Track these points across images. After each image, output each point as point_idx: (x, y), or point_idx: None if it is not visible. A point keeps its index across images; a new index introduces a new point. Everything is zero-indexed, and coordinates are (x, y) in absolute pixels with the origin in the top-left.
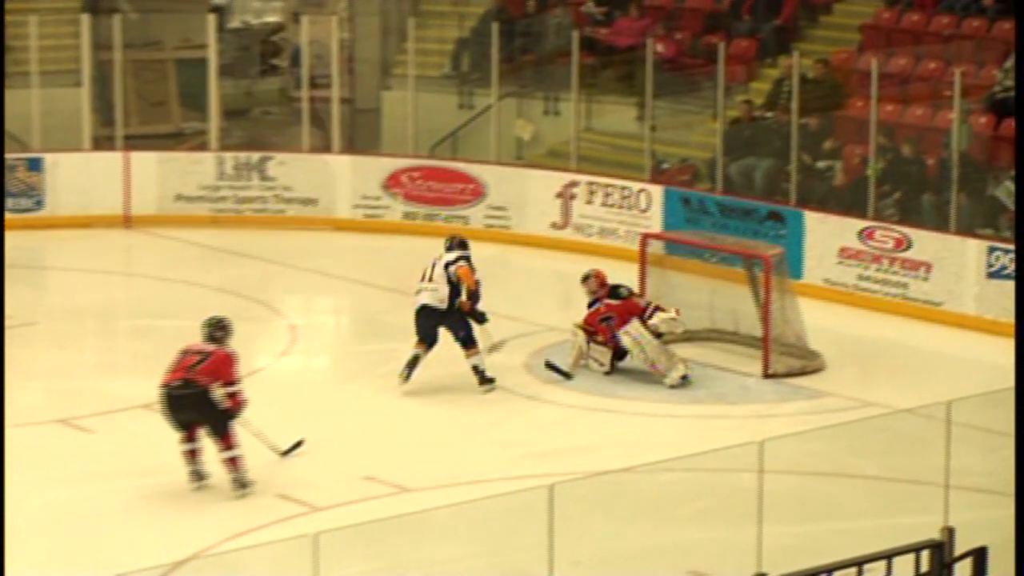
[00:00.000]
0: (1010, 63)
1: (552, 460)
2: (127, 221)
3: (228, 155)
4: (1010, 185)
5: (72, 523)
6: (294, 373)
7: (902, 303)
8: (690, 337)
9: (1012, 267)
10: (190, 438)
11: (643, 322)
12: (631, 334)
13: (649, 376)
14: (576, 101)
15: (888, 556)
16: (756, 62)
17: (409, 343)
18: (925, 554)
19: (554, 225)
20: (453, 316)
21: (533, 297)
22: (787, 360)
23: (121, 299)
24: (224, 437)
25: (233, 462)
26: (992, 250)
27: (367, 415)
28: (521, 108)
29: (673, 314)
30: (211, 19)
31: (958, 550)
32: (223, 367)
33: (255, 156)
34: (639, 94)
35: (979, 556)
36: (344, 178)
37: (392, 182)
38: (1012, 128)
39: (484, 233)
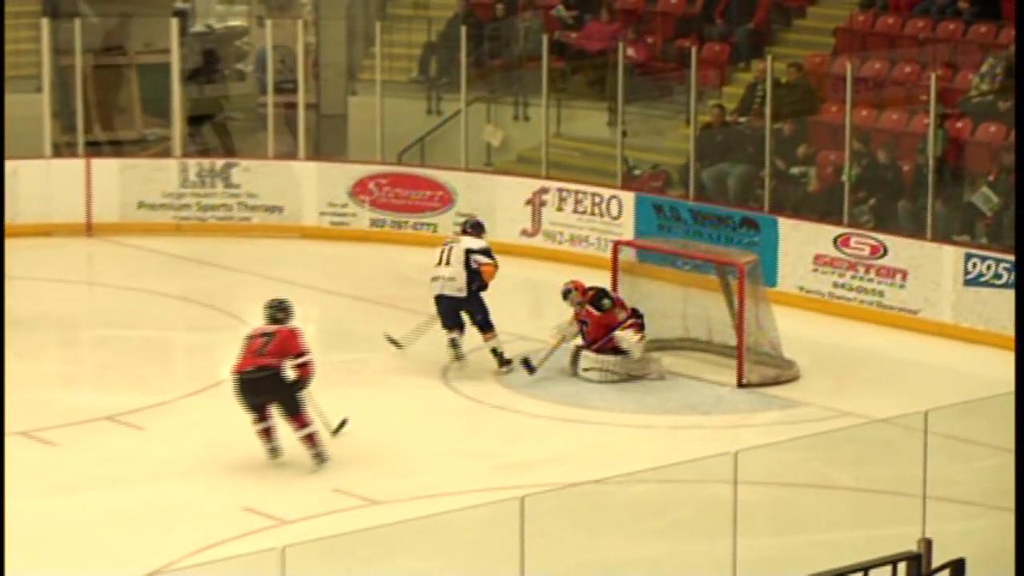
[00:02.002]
0: (986, 67)
1: (523, 471)
2: (89, 229)
3: (191, 162)
4: (987, 191)
5: (35, 537)
6: None
7: (878, 311)
8: (663, 346)
9: (989, 274)
10: (262, 418)
11: (603, 346)
12: (592, 368)
13: (621, 386)
14: (546, 106)
15: (865, 568)
16: (729, 66)
17: (377, 353)
18: (902, 566)
19: (524, 232)
20: (472, 301)
21: (503, 305)
22: (761, 369)
23: (83, 308)
24: (297, 416)
25: (310, 439)
26: (969, 257)
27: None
28: (490, 113)
29: (636, 340)
30: (173, 23)
31: (936, 562)
32: (290, 342)
33: (219, 163)
34: (610, 99)
35: (957, 568)
36: (310, 185)
37: (359, 189)
38: (988, 133)
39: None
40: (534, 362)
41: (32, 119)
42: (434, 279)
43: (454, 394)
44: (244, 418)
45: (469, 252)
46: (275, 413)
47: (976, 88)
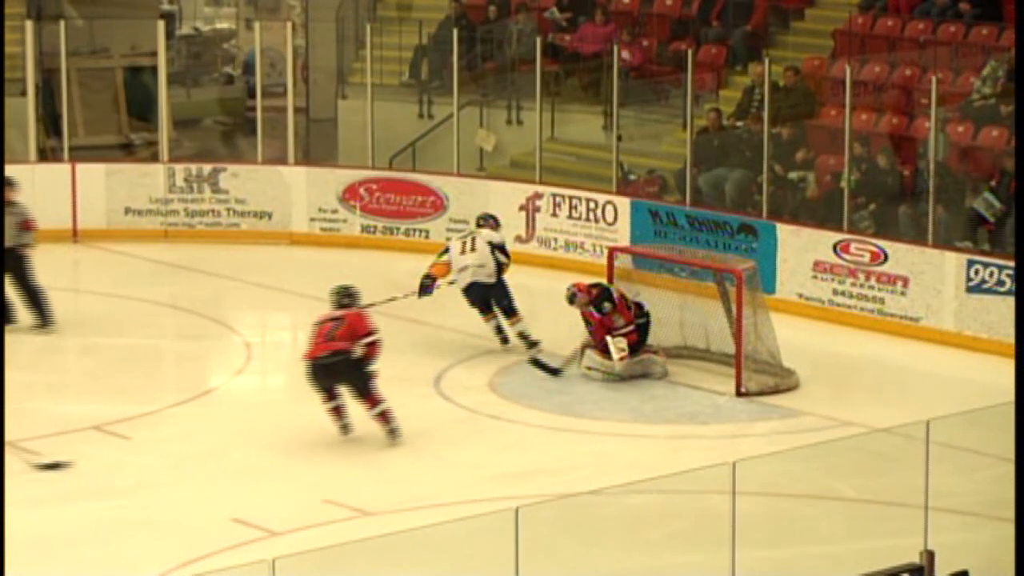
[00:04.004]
0: (988, 70)
1: (517, 482)
2: (75, 235)
3: (179, 167)
4: (989, 196)
5: (21, 550)
6: (250, 392)
7: (879, 319)
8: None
9: (992, 281)
10: (332, 397)
11: (604, 348)
12: (593, 368)
13: (618, 396)
14: (540, 110)
15: None
16: (725, 69)
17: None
18: None
19: (518, 239)
20: (498, 287)
21: None
22: (760, 378)
23: (69, 316)
24: (369, 396)
25: (383, 416)
26: (971, 263)
27: (326, 436)
28: (483, 117)
29: (619, 356)
30: (160, 25)
31: (939, 574)
32: (358, 324)
33: (207, 168)
34: (605, 103)
35: None
36: (299, 190)
37: (349, 194)
38: (991, 137)
39: (451, 246)
40: (554, 364)
41: (16, 123)
42: (462, 269)
43: (448, 403)
44: (232, 427)
45: (492, 245)
46: (344, 392)
47: (978, 91)
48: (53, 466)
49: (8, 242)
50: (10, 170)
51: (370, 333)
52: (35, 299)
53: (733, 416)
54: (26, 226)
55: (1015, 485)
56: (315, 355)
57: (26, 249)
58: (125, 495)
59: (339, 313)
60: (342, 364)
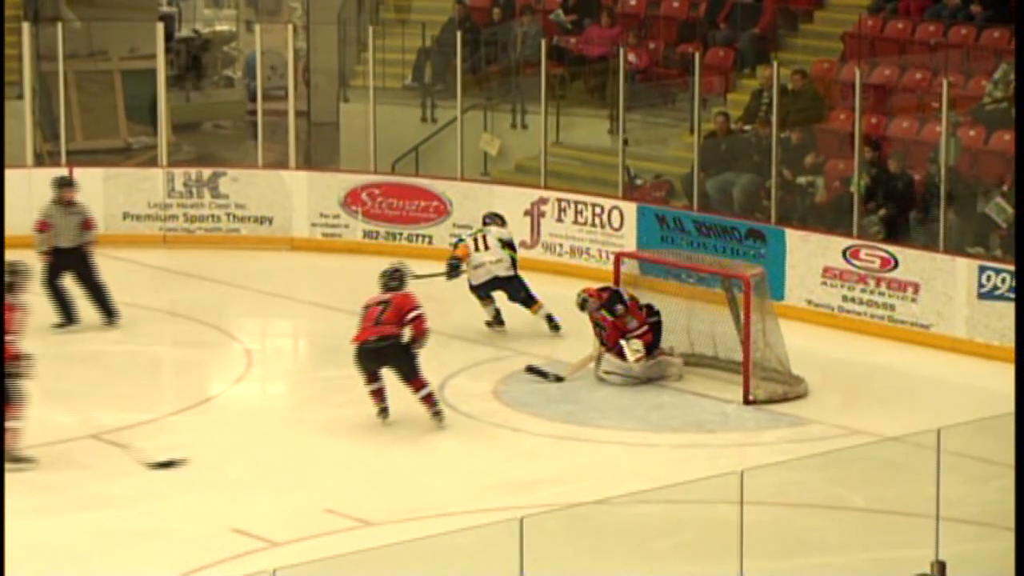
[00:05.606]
0: (1000, 73)
1: (522, 492)
2: None
3: (178, 171)
4: (1001, 201)
5: (16, 561)
6: (250, 400)
7: (889, 326)
8: None
9: (1004, 288)
10: (374, 379)
11: (619, 352)
12: (611, 372)
13: (623, 403)
14: (545, 114)
15: None
16: (733, 73)
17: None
18: None
19: (522, 244)
20: (515, 281)
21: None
22: (769, 385)
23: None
24: (415, 380)
25: (429, 399)
26: (983, 270)
27: (327, 445)
28: (487, 121)
29: (634, 358)
30: (159, 28)
31: None
32: (404, 303)
33: (206, 172)
34: (611, 106)
35: None
36: (301, 195)
37: (351, 199)
38: (1003, 141)
39: (448, 253)
40: (555, 371)
41: (13, 127)
42: (479, 266)
43: (451, 411)
44: (232, 436)
45: (502, 241)
46: (384, 374)
47: (989, 95)
48: (167, 464)
49: (71, 242)
50: (8, 174)
51: (415, 308)
52: (100, 296)
53: (741, 424)
54: (87, 225)
55: (1015, 493)
56: (363, 339)
57: (89, 247)
58: (123, 505)
59: (386, 296)
60: (390, 348)
